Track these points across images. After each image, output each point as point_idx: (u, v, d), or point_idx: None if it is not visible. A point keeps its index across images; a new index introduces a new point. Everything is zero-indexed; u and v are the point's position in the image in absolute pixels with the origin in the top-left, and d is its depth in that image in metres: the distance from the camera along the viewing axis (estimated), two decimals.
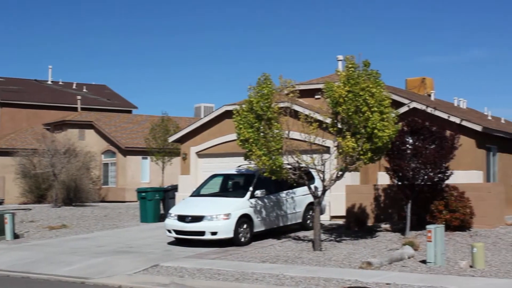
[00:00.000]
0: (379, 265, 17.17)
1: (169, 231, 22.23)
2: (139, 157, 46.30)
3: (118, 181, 46.54)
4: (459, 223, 22.41)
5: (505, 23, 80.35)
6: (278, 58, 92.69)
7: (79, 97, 54.83)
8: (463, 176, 25.22)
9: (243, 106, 21.41)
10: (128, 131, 48.45)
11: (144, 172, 46.54)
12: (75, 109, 53.20)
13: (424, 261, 17.59)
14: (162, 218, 27.94)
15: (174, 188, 31.32)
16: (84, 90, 59.01)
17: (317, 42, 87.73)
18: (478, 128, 26.32)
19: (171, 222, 22.15)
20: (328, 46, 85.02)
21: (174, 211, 22.62)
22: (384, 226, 23.69)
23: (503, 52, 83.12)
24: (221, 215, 21.42)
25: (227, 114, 28.27)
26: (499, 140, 28.75)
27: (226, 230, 21.37)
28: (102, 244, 22.68)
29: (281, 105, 22.07)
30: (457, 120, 25.79)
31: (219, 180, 24.79)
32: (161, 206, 30.30)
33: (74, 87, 59.85)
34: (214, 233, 21.36)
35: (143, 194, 29.67)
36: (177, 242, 22.17)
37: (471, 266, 16.86)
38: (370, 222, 24.88)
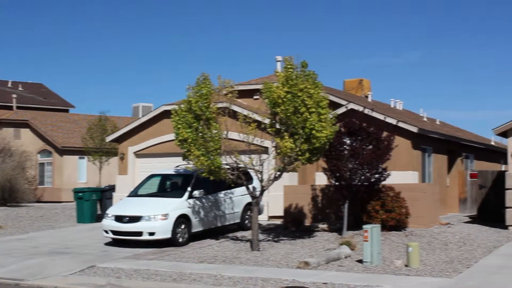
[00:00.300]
0: (317, 264, 17.30)
1: (106, 231, 22.04)
2: (76, 156, 45.67)
3: (55, 181, 45.83)
4: (395, 223, 22.72)
5: (439, 26, 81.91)
6: (217, 58, 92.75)
7: (14, 95, 53.80)
8: (400, 176, 25.58)
9: (182, 106, 21.33)
10: (65, 131, 47.74)
11: (81, 172, 45.94)
12: (10, 108, 52.20)
13: (360, 261, 17.78)
14: (99, 218, 27.61)
15: (112, 188, 31.03)
16: (20, 89, 57.92)
17: (256, 43, 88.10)
18: (414, 129, 26.73)
19: (108, 222, 21.95)
20: (267, 47, 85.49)
21: (112, 211, 22.42)
22: (321, 226, 23.87)
23: (438, 55, 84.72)
24: (158, 215, 21.31)
25: (166, 114, 28.13)
26: (434, 141, 29.25)
27: (164, 230, 21.27)
28: (38, 245, 22.33)
29: (220, 105, 22.08)
30: (394, 122, 26.15)
31: (157, 180, 24.66)
32: (98, 207, 29.99)
33: (9, 85, 58.71)
34: (151, 234, 21.24)
35: (80, 194, 29.33)
36: (114, 243, 21.98)
37: (406, 265, 17.11)
38: (307, 222, 25.03)
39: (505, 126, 24.42)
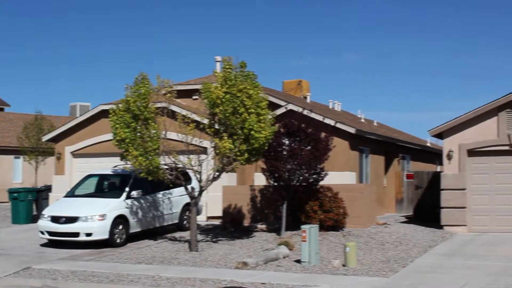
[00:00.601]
0: (255, 265, 17.31)
1: (42, 232, 21.70)
2: (11, 156, 44.76)
3: None
4: (333, 223, 22.90)
5: (376, 28, 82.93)
6: (156, 58, 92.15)
7: None
8: (338, 177, 25.82)
9: (120, 105, 21.13)
10: (0, 130, 46.84)
11: (16, 172, 45.03)
12: None
13: (298, 261, 17.86)
14: (35, 219, 27.13)
15: (48, 188, 30.55)
16: None
17: (195, 43, 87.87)
18: (352, 130, 27.00)
19: (44, 223, 21.61)
20: (207, 47, 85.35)
21: (48, 212, 22.09)
22: (260, 226, 23.92)
23: (376, 56, 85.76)
24: (96, 216, 21.08)
25: (104, 114, 27.84)
26: (372, 142, 29.59)
27: (101, 231, 21.04)
28: None
29: (159, 105, 21.93)
30: (332, 122, 26.35)
31: (94, 181, 24.37)
32: (34, 207, 29.49)
33: None
34: (88, 234, 20.99)
35: (15, 194, 28.80)
36: (51, 244, 21.66)
37: (343, 265, 17.25)
38: (246, 223, 25.05)
39: (440, 127, 24.85)
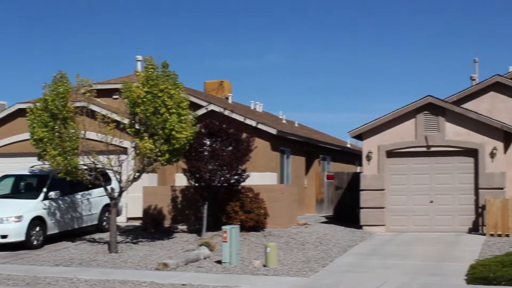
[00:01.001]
0: (175, 266, 17.19)
1: None
2: None
3: None
4: (254, 223, 22.94)
5: (298, 29, 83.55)
6: (75, 56, 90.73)
7: None
8: (259, 177, 25.88)
9: (38, 104, 20.68)
10: None
11: None
12: None
13: (219, 261, 17.82)
14: None
15: None
16: None
17: (116, 41, 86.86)
18: (273, 131, 27.11)
19: None
20: (128, 46, 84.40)
21: None
22: (181, 227, 23.78)
23: (297, 58, 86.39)
24: (12, 217, 20.58)
25: (20, 113, 27.24)
26: (293, 143, 29.78)
27: (17, 233, 20.55)
28: None
29: (78, 104, 21.55)
30: (253, 123, 26.42)
31: (10, 181, 23.76)
32: None
33: None
34: (4, 236, 20.48)
35: None
36: None
37: (264, 265, 17.28)
38: (167, 224, 24.88)
39: (360, 129, 25.19)
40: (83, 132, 20.79)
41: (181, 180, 26.39)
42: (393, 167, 24.92)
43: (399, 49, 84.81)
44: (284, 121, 35.05)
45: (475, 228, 23.85)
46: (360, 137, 25.53)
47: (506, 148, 24.52)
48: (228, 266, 17.39)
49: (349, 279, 15.85)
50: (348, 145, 39.68)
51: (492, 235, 22.53)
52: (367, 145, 25.14)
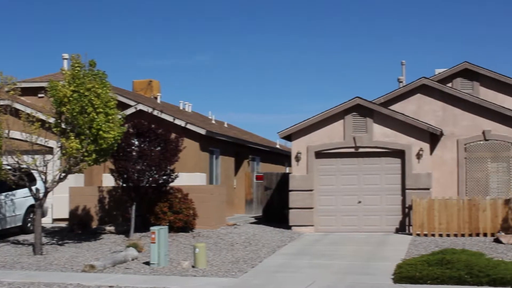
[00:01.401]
0: (103, 267, 16.90)
1: None
2: None
3: None
4: (183, 224, 22.80)
5: (228, 30, 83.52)
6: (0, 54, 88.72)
7: None
8: (188, 178, 25.74)
9: None
10: None
11: None
12: None
13: (148, 263, 17.60)
14: None
15: None
16: None
17: (42, 39, 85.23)
18: (202, 131, 26.98)
19: None
20: (54, 43, 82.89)
21: None
22: (108, 228, 23.45)
23: (226, 58, 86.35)
24: None
25: None
26: (222, 144, 29.70)
27: None
28: None
29: (1, 102, 21.06)
30: (182, 123, 26.26)
31: None
32: None
33: None
34: None
35: None
36: None
37: (193, 266, 17.15)
38: (94, 225, 24.53)
39: (289, 129, 25.26)
40: (6, 131, 20.28)
41: (108, 181, 26.03)
42: (321, 167, 25.07)
43: (329, 50, 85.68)
44: (213, 122, 34.94)
45: (402, 228, 24.17)
46: (289, 137, 25.60)
47: (432, 149, 24.95)
48: (156, 267, 17.20)
49: (278, 279, 15.83)
50: (278, 146, 39.83)
51: (418, 234, 22.86)
52: (296, 146, 25.23)
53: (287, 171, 33.99)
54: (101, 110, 19.63)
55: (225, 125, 36.94)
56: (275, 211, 28.32)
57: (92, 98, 19.55)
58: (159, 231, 17.58)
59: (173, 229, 22.15)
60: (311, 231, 24.53)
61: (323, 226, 24.83)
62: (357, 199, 24.75)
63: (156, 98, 34.18)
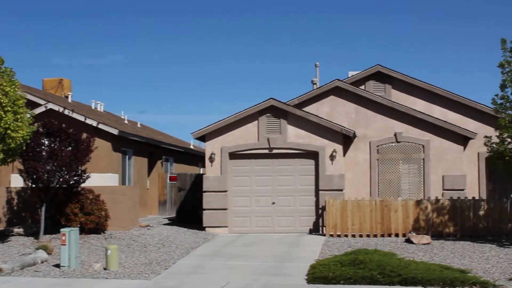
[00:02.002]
0: (10, 270, 16.42)
1: None
2: None
3: None
4: (95, 225, 22.39)
5: (142, 30, 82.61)
6: None
7: None
8: (100, 179, 25.28)
9: None
10: None
11: None
12: None
13: (58, 265, 17.22)
14: None
15: None
16: None
17: None
18: (115, 131, 26.55)
19: None
20: None
21: None
22: (17, 230, 22.79)
23: (139, 58, 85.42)
24: None
25: None
26: (135, 144, 29.31)
27: None
28: None
29: None
30: (94, 123, 25.78)
31: None
32: None
33: None
34: None
35: None
36: None
37: (105, 268, 16.86)
38: (2, 227, 23.89)
39: (203, 130, 25.10)
40: None
41: (17, 181, 25.31)
42: (236, 168, 25.01)
43: (245, 51, 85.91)
44: (126, 122, 34.47)
45: (316, 229, 24.34)
46: (203, 138, 25.44)
47: (345, 151, 25.23)
48: (67, 269, 16.83)
49: (192, 281, 15.70)
50: (192, 147, 39.63)
51: (332, 235, 23.06)
52: (210, 147, 25.10)
53: (201, 172, 33.82)
54: (9, 108, 19.05)
55: (138, 125, 36.49)
56: (189, 212, 28.13)
57: (0, 96, 18.95)
58: (70, 233, 17.22)
59: (84, 230, 21.74)
60: (225, 232, 24.45)
61: (238, 227, 24.77)
62: (271, 200, 24.80)
63: (67, 97, 33.48)
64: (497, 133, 21.16)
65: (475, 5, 75.68)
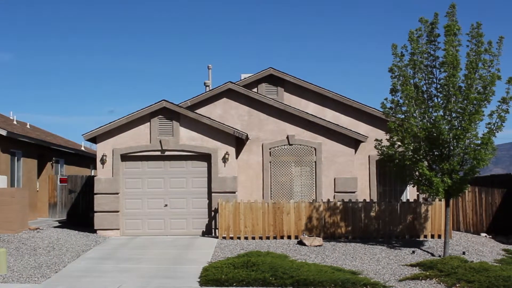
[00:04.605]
0: None
1: None
2: None
3: None
4: None
5: (29, 28, 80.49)
6: None
7: None
8: None
9: None
10: None
11: None
12: None
13: None
14: None
15: None
16: None
17: None
18: (3, 132, 25.90)
19: None
20: None
21: None
22: None
23: (29, 57, 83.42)
24: None
25: None
26: (24, 145, 28.67)
27: None
28: None
29: None
30: None
31: None
32: None
33: None
34: None
35: None
36: None
37: None
38: None
39: (94, 131, 24.78)
40: None
41: None
42: (128, 170, 24.82)
43: (139, 54, 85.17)
44: (15, 122, 33.63)
45: (209, 231, 24.43)
46: (94, 140, 25.11)
47: (238, 153, 25.43)
48: None
49: (83, 284, 15.53)
50: (83, 148, 39.04)
51: (224, 237, 23.18)
52: (101, 148, 24.80)
53: (93, 174, 33.36)
54: None
55: (28, 126, 35.65)
56: (80, 214, 27.72)
57: None
58: None
59: None
60: (117, 235, 24.23)
61: (130, 229, 24.59)
62: (164, 203, 24.73)
63: None
64: (387, 136, 21.71)
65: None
